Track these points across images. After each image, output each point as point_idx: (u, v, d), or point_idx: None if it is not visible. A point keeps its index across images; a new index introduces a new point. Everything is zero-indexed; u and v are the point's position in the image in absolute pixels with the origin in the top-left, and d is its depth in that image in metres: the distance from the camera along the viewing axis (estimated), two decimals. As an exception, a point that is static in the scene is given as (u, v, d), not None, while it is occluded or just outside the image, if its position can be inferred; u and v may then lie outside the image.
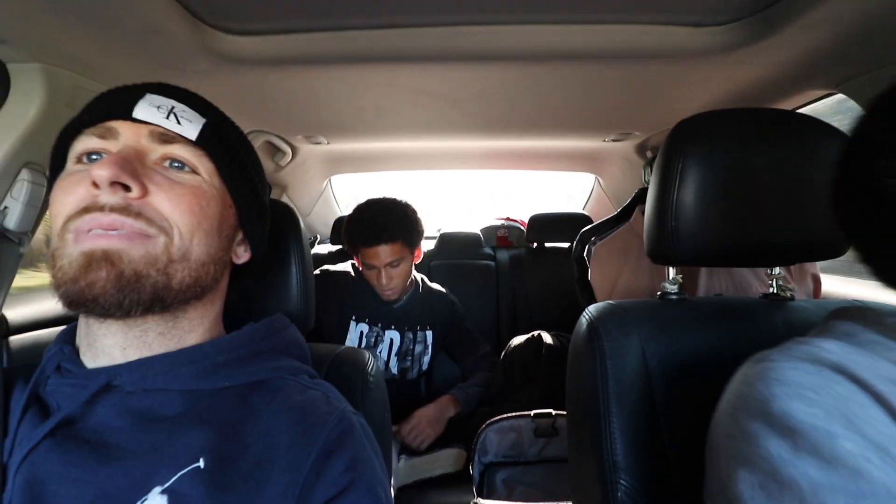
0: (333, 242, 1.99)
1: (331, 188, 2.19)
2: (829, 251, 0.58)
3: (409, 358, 1.36)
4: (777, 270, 0.68)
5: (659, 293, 0.68)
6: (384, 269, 1.24)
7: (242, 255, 0.50)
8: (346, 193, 2.34)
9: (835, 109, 1.00)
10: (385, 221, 1.23)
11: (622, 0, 0.70)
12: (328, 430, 0.42)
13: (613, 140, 1.49)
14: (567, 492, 0.90)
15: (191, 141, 0.44)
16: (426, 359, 1.39)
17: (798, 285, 0.99)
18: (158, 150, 0.43)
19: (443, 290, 1.48)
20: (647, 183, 1.49)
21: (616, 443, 0.52)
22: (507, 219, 2.24)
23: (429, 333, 1.39)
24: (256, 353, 0.46)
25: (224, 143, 0.46)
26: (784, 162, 0.57)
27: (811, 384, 0.33)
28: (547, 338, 1.44)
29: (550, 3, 0.70)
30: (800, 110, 1.03)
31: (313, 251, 2.10)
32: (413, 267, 1.35)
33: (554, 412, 1.18)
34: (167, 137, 0.43)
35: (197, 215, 0.42)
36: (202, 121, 0.45)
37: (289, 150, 1.51)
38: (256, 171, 0.51)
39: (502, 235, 2.15)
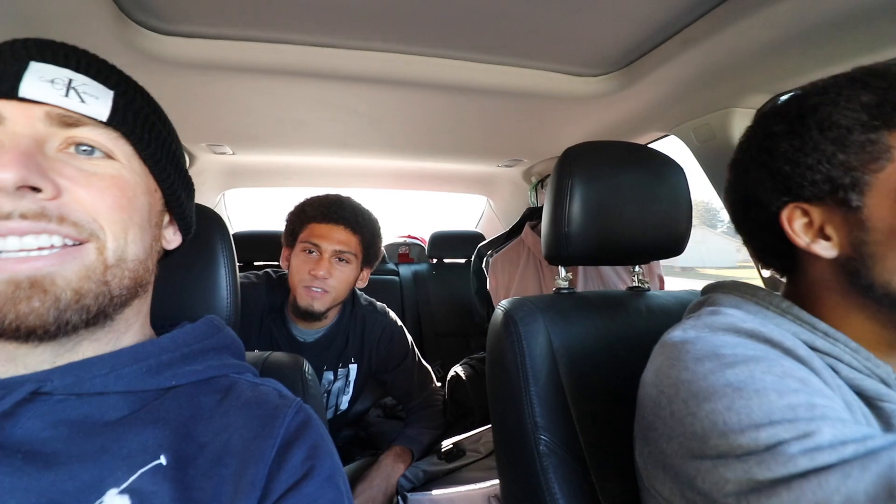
0: None
1: (224, 203, 2.03)
2: (673, 250, 0.74)
3: (325, 397, 1.12)
4: (638, 268, 0.83)
5: (554, 289, 0.78)
6: (329, 258, 0.99)
7: (172, 238, 0.46)
8: (237, 213, 2.19)
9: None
10: (355, 211, 1.04)
11: (521, 47, 0.82)
12: (287, 421, 0.40)
13: (505, 165, 1.63)
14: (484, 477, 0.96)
15: (101, 121, 0.36)
16: (345, 398, 1.14)
17: (649, 282, 1.21)
18: (59, 135, 0.35)
19: (384, 311, 1.19)
20: (534, 203, 1.69)
21: (535, 407, 0.59)
22: (409, 236, 2.30)
23: (352, 368, 1.13)
24: (199, 351, 0.43)
25: (139, 118, 0.39)
26: (641, 182, 0.70)
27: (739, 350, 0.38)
28: (461, 371, 1.35)
29: (464, 42, 0.79)
30: (651, 145, 1.28)
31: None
32: (351, 289, 1.09)
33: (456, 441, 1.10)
34: (70, 119, 0.35)
35: (126, 209, 0.37)
36: (110, 94, 0.37)
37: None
38: (174, 140, 0.44)
39: (404, 252, 2.20)
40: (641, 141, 1.21)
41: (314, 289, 0.98)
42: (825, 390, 0.37)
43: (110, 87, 0.38)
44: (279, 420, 0.40)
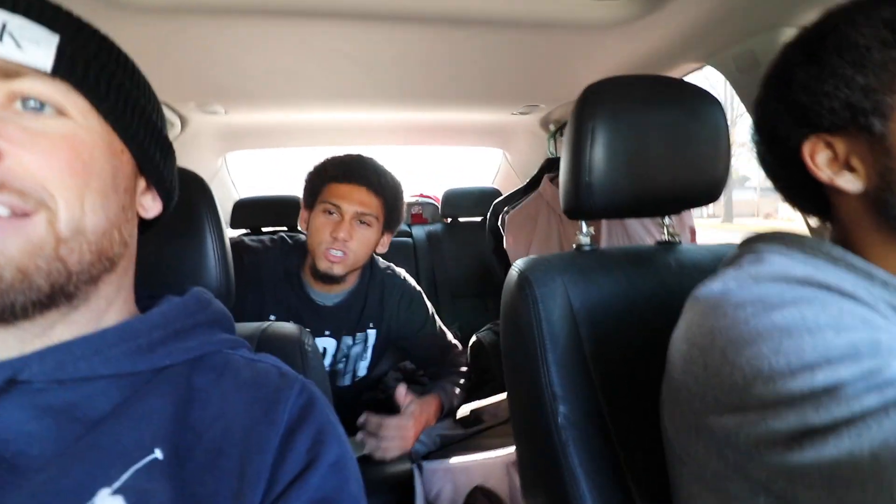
0: (234, 225, 1.85)
1: (226, 167, 2.02)
2: (709, 197, 0.69)
3: (343, 362, 1.14)
4: (668, 220, 0.78)
5: (574, 245, 0.74)
6: (350, 220, 0.99)
7: (151, 206, 0.43)
8: (243, 174, 2.18)
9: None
10: (377, 171, 1.04)
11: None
12: (290, 405, 0.39)
13: (520, 113, 1.56)
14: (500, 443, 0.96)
15: (45, 72, 0.33)
16: (363, 364, 1.16)
17: (680, 235, 1.16)
18: (0, 90, 0.32)
19: (403, 276, 1.19)
20: (552, 154, 1.62)
21: (552, 375, 0.57)
22: (421, 195, 2.27)
23: (370, 333, 1.14)
24: (191, 326, 0.41)
25: (94, 66, 0.35)
26: (673, 122, 0.65)
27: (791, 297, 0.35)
28: (483, 337, 1.38)
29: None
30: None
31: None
32: (373, 253, 1.10)
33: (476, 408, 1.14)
34: (8, 69, 0.32)
35: (81, 174, 0.33)
36: (54, 39, 0.33)
37: (177, 122, 1.35)
38: (146, 97, 0.40)
39: (417, 213, 2.17)
40: (674, 74, 1.11)
41: (334, 251, 0.98)
42: (892, 328, 0.34)
43: (56, 31, 0.33)
44: (282, 404, 0.39)
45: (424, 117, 1.59)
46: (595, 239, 1.10)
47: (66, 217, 0.33)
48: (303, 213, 1.07)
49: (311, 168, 1.09)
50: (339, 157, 1.06)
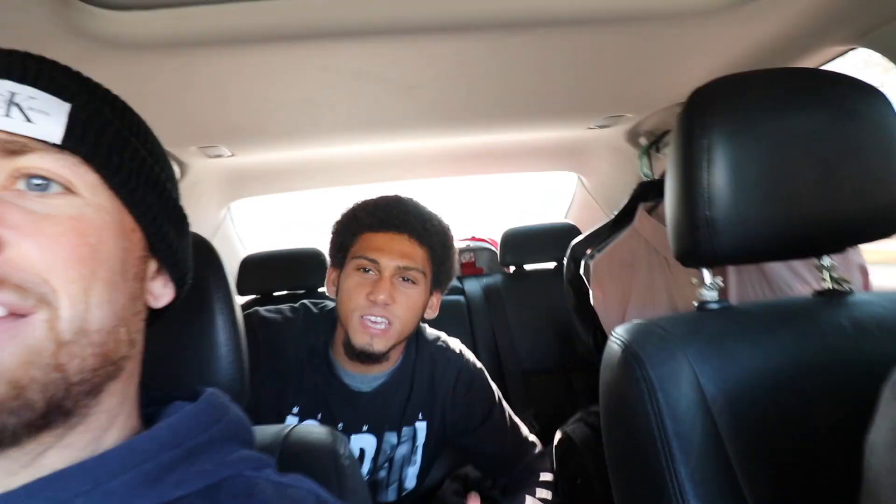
0: (241, 291, 1.94)
1: (230, 218, 2.14)
2: (884, 228, 0.65)
3: (386, 468, 1.12)
4: (828, 261, 0.74)
5: (696, 304, 0.72)
6: (391, 278, 1.00)
7: (162, 293, 0.46)
8: (249, 224, 2.30)
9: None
10: (421, 215, 1.07)
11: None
12: None
13: (600, 126, 1.57)
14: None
15: (55, 144, 0.36)
16: (411, 470, 1.14)
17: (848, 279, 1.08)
18: (3, 168, 0.36)
19: (458, 349, 1.20)
20: (647, 175, 1.60)
21: (688, 497, 0.53)
22: (473, 238, 2.29)
23: (420, 427, 1.12)
24: (207, 443, 0.42)
25: (107, 135, 0.39)
26: (823, 128, 0.63)
27: None
28: (573, 432, 1.33)
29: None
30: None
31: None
32: (420, 320, 1.11)
33: None
34: (14, 145, 0.35)
35: (88, 261, 0.36)
36: (65, 108, 0.37)
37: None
38: (160, 163, 0.44)
39: (469, 261, 2.19)
40: (809, 65, 1.09)
41: (373, 319, 0.99)
42: None
43: (66, 99, 0.38)
44: None
45: (475, 142, 1.63)
46: (723, 292, 1.05)
47: (68, 315, 0.35)
48: (330, 274, 1.10)
49: (337, 217, 1.12)
50: (373, 200, 1.10)
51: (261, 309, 1.14)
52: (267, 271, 1.89)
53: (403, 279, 1.02)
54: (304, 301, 1.18)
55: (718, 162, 0.62)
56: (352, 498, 0.57)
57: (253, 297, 1.92)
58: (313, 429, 0.64)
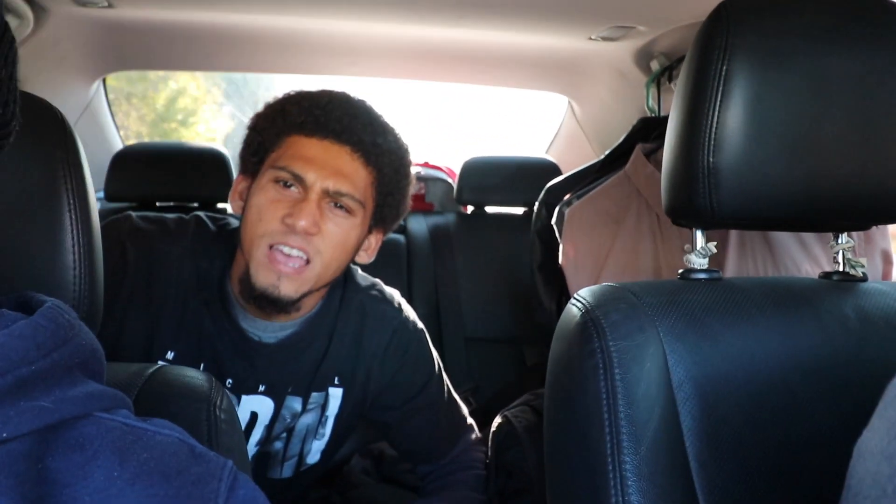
0: (112, 196, 1.89)
1: (105, 98, 2.07)
2: None
3: (284, 439, 1.12)
4: (845, 239, 0.77)
5: (681, 271, 0.74)
6: (320, 199, 0.96)
7: None
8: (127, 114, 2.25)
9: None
10: (373, 124, 1.03)
11: None
12: None
13: (603, 38, 1.56)
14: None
15: None
16: (316, 445, 1.14)
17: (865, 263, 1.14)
18: None
19: (397, 302, 1.20)
20: (652, 110, 1.61)
21: (631, 494, 0.55)
22: (426, 165, 2.29)
23: (334, 395, 1.12)
24: (45, 372, 0.41)
25: None
26: (876, 72, 0.64)
27: None
28: (515, 418, 1.36)
29: None
30: None
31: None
32: (350, 260, 1.08)
33: None
34: None
35: None
36: None
37: (28, 15, 1.36)
38: None
39: (417, 193, 2.18)
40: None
41: (286, 251, 0.95)
42: None
43: None
44: None
45: (444, 38, 1.61)
46: (717, 261, 1.09)
47: None
48: (238, 183, 1.07)
49: (259, 110, 1.08)
50: (310, 92, 1.05)
51: (135, 214, 1.09)
52: (149, 172, 1.85)
53: (336, 205, 0.98)
54: (198, 213, 1.13)
55: (734, 96, 0.63)
56: (228, 456, 0.57)
57: (126, 204, 1.87)
58: (185, 371, 0.64)
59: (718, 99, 0.63)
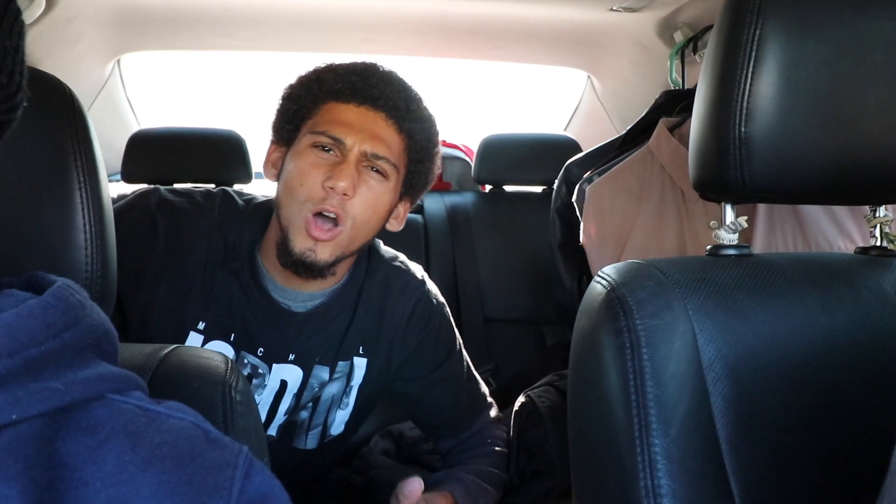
0: (129, 178, 1.90)
1: (121, 79, 2.07)
2: None
3: (310, 408, 1.15)
4: (883, 211, 0.75)
5: (710, 247, 0.72)
6: (356, 160, 0.98)
7: None
8: (146, 99, 2.25)
9: None
10: (405, 92, 1.07)
11: None
12: (237, 498, 0.40)
13: (624, 8, 1.53)
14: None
15: None
16: (340, 415, 1.16)
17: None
18: None
19: (420, 275, 1.23)
20: (676, 83, 1.58)
21: (661, 478, 0.54)
22: (444, 143, 2.25)
23: (359, 364, 1.14)
24: (55, 352, 0.41)
25: None
26: None
27: None
28: (538, 398, 1.37)
29: None
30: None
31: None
32: (382, 225, 1.11)
33: None
34: None
35: None
36: None
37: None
38: None
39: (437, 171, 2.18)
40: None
41: (325, 214, 0.97)
42: None
43: None
44: (222, 497, 0.39)
45: (460, 14, 1.59)
46: (746, 236, 1.07)
47: None
48: (271, 153, 1.09)
49: (292, 81, 1.10)
50: (342, 63, 1.07)
51: (163, 188, 1.12)
52: (165, 154, 1.86)
53: (371, 167, 1.01)
54: (225, 188, 1.16)
55: (768, 61, 0.61)
56: (245, 440, 0.56)
57: (143, 186, 1.89)
58: (201, 352, 0.64)
59: (751, 65, 0.61)
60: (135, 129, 2.07)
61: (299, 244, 0.97)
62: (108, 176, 2.28)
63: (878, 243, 0.75)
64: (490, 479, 1.17)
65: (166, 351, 0.61)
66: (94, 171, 0.59)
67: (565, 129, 2.35)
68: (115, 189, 1.95)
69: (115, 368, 0.45)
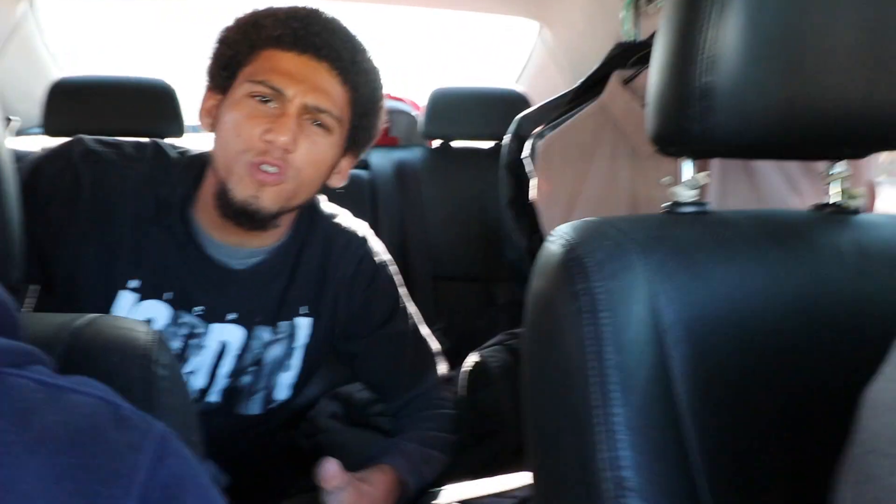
0: (51, 131, 1.82)
1: (35, 20, 1.97)
2: None
3: (253, 372, 1.13)
4: (842, 167, 0.74)
5: (666, 204, 0.71)
6: (298, 114, 0.96)
7: None
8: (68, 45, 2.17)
9: None
10: (350, 41, 1.03)
11: None
12: (141, 484, 0.39)
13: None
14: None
15: None
16: (285, 377, 1.15)
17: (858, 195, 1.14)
18: None
19: (362, 231, 1.22)
20: (630, 35, 1.56)
21: (621, 448, 0.53)
22: (388, 97, 2.24)
23: (301, 324, 1.14)
24: None
25: None
26: None
27: None
28: (490, 357, 1.39)
29: None
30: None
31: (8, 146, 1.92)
32: (324, 181, 1.09)
33: None
34: None
35: None
36: None
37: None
38: None
39: (382, 126, 2.17)
40: None
41: (265, 167, 0.94)
42: None
43: None
44: (123, 483, 0.39)
45: None
46: (702, 193, 1.08)
47: None
48: (207, 100, 1.05)
49: (227, 24, 1.05)
50: (285, 8, 1.03)
51: (88, 138, 1.06)
52: (90, 104, 1.79)
53: (314, 122, 0.98)
54: (157, 140, 1.12)
55: (732, 6, 0.59)
56: (169, 418, 0.54)
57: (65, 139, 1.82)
58: (122, 322, 0.61)
59: (715, 10, 0.59)
60: (55, 76, 1.98)
61: (241, 191, 0.94)
62: (28, 128, 2.17)
63: (831, 200, 0.75)
64: (436, 443, 1.17)
65: (82, 321, 0.58)
66: None
67: (516, 83, 2.35)
68: (39, 143, 1.88)
69: (9, 341, 0.43)
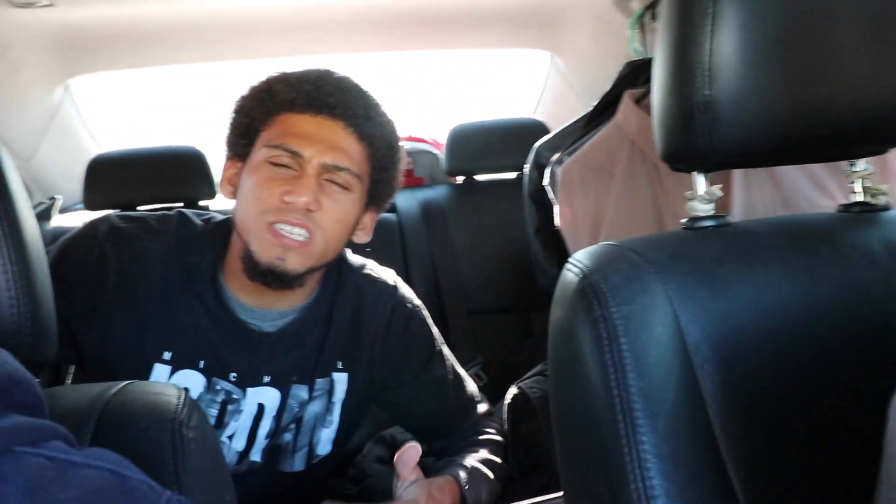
0: (92, 205, 1.87)
1: (73, 104, 2.04)
2: None
3: (293, 430, 1.13)
4: (862, 164, 0.73)
5: (684, 220, 0.70)
6: (318, 176, 0.96)
7: None
8: (102, 120, 2.22)
9: None
10: (363, 99, 1.04)
11: None
12: None
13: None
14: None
15: None
16: (325, 433, 1.15)
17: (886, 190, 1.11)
18: None
19: (392, 280, 1.21)
20: (639, 52, 1.56)
21: (652, 478, 0.52)
22: (410, 138, 2.27)
23: (338, 380, 1.13)
24: None
25: None
26: None
27: None
28: (529, 389, 1.35)
29: None
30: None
31: (54, 223, 1.97)
32: (349, 238, 1.09)
33: None
34: None
35: None
36: None
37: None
38: None
39: (406, 168, 2.18)
40: None
41: (288, 229, 0.95)
42: None
43: None
44: None
45: (414, 5, 1.60)
46: (721, 204, 1.06)
47: None
48: (227, 169, 1.07)
49: (243, 93, 1.07)
50: (295, 72, 1.05)
51: (114, 214, 1.08)
52: (126, 177, 1.83)
53: (332, 179, 0.98)
54: (181, 209, 1.13)
55: (728, 16, 0.58)
56: (198, 480, 0.55)
57: (108, 212, 1.88)
58: (151, 387, 0.62)
59: (710, 23, 0.58)
60: (94, 153, 2.06)
61: (266, 253, 0.95)
62: (72, 205, 2.25)
63: (860, 199, 0.73)
64: (492, 467, 1.16)
65: (114, 390, 0.59)
66: (11, 205, 0.54)
67: (534, 113, 2.35)
68: (80, 218, 1.95)
69: (27, 419, 0.43)
